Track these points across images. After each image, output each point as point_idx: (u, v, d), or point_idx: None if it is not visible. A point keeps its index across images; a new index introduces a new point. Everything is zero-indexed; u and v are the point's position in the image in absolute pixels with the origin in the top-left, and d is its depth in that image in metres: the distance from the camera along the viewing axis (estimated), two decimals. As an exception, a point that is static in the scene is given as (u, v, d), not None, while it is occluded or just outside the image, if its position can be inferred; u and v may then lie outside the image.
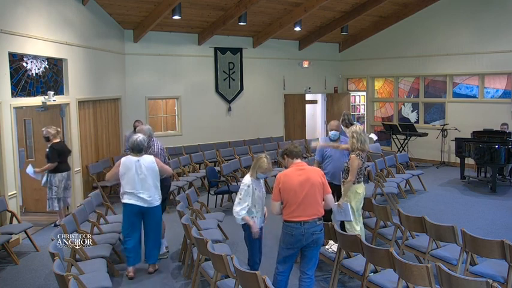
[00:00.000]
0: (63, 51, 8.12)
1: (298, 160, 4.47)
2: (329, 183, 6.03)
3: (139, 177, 5.42)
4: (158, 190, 5.58)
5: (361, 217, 5.89)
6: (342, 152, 6.18)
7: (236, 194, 4.96)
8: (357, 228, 5.62)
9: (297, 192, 4.27)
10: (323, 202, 4.41)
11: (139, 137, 5.55)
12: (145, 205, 5.47)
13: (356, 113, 13.09)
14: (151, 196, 5.49)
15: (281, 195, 4.31)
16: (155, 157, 5.69)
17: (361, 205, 5.79)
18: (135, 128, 9.04)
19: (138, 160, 5.46)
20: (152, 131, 6.20)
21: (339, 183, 6.02)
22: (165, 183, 6.04)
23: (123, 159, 5.55)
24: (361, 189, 5.68)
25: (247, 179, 4.72)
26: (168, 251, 6.37)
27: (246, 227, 4.74)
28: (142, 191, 5.43)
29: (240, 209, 4.63)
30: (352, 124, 7.95)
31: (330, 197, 4.48)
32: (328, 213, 6.38)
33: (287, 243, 4.32)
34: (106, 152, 10.01)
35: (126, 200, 5.49)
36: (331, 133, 6.29)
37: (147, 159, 5.53)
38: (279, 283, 4.44)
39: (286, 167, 4.59)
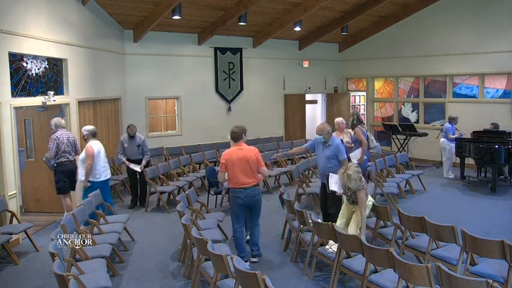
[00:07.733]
0: (63, 51, 8.12)
1: (239, 142, 5.74)
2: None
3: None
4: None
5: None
6: (326, 157, 6.34)
7: None
8: (338, 222, 5.66)
9: (236, 166, 5.63)
10: (259, 174, 5.78)
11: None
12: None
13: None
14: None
15: (226, 168, 5.66)
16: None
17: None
18: (128, 134, 8.89)
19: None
20: (59, 123, 7.40)
21: (324, 181, 6.39)
22: (61, 168, 7.33)
23: (90, 143, 7.16)
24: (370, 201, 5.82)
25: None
26: None
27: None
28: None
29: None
30: (361, 123, 7.95)
31: (263, 168, 5.82)
32: (328, 215, 6.43)
33: (236, 204, 5.74)
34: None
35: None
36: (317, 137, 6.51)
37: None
38: (239, 235, 5.81)
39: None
